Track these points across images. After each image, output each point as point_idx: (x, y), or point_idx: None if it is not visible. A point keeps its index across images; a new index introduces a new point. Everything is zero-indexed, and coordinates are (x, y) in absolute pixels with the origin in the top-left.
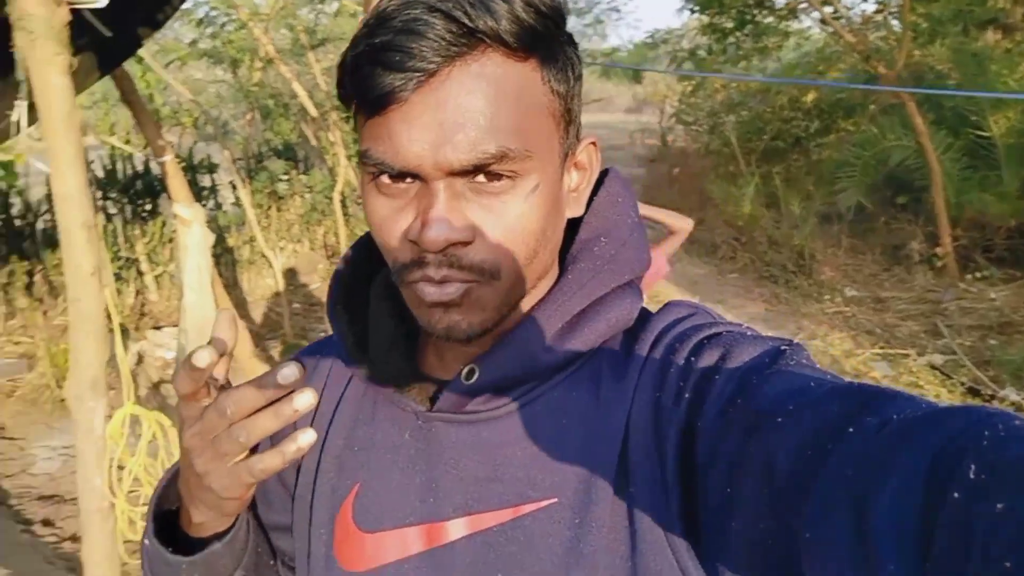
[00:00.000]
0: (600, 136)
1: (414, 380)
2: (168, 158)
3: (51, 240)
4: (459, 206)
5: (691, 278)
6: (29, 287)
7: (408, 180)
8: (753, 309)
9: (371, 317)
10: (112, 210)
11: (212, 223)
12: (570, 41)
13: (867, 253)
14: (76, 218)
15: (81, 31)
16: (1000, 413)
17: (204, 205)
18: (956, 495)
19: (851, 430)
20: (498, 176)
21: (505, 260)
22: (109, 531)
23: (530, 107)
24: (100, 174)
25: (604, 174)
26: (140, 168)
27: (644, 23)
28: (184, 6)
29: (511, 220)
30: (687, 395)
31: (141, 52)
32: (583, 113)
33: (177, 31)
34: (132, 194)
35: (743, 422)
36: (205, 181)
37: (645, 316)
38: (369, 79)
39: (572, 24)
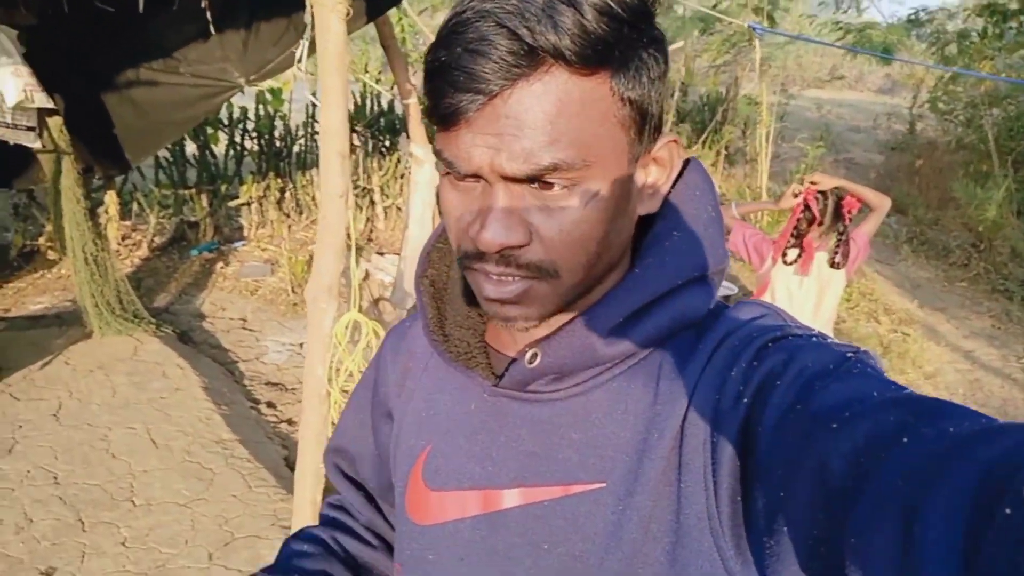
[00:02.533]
0: (842, 115)
1: (482, 356)
2: (412, 100)
3: (303, 163)
4: (517, 208)
5: (914, 280)
6: (280, 203)
7: (475, 179)
8: (978, 323)
9: (450, 291)
10: (356, 142)
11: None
12: (652, 41)
13: None
14: (334, 147)
15: None
16: None
17: None
18: (1008, 511)
19: (905, 440)
20: (554, 184)
21: (563, 261)
22: (323, 415)
23: (593, 119)
24: (350, 108)
25: (685, 164)
26: (385, 107)
27: None
28: None
29: (568, 224)
30: (746, 399)
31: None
32: (828, 88)
33: None
34: (375, 130)
35: (801, 427)
36: None
37: (717, 312)
38: (439, 96)
39: None
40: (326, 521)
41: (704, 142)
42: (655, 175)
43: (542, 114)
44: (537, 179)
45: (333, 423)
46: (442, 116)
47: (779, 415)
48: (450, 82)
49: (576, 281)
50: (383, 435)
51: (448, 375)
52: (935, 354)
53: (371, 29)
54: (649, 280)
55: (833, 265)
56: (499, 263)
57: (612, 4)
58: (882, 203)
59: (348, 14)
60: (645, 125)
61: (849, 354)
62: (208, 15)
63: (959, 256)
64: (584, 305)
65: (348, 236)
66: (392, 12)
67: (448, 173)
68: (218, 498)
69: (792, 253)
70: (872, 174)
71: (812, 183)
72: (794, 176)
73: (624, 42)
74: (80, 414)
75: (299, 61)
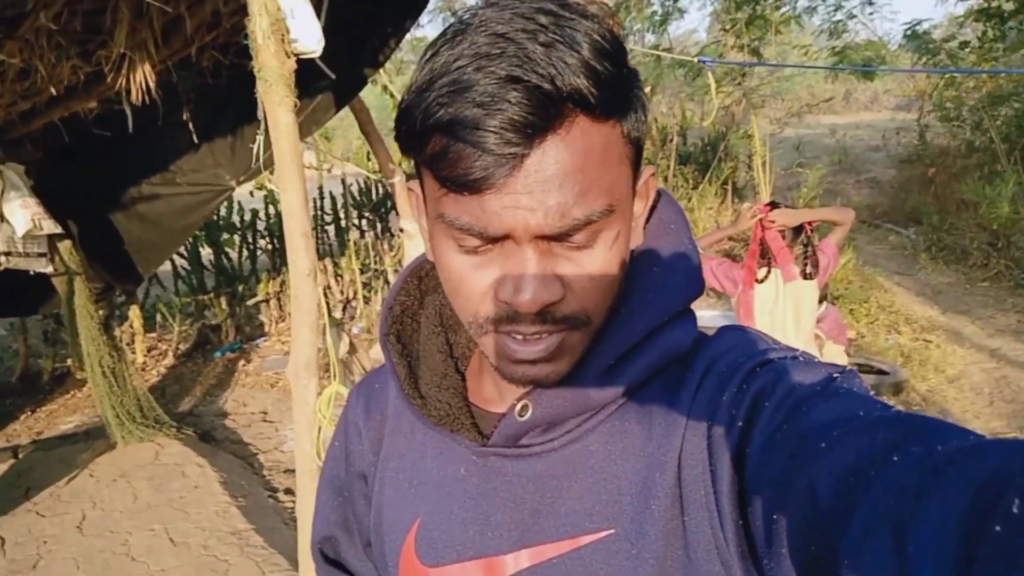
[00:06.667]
0: (860, 137)
1: (466, 417)
2: (397, 179)
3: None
4: (547, 263)
5: (935, 287)
6: None
7: (493, 242)
8: (1004, 320)
9: (422, 349)
10: (365, 227)
11: None
12: (638, 80)
13: None
14: (297, 228)
15: (319, 77)
16: None
17: None
18: (998, 528)
19: (895, 458)
20: (582, 234)
21: (593, 307)
22: (315, 489)
23: (612, 163)
24: (357, 196)
25: (657, 197)
26: (391, 190)
27: (901, 15)
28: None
29: (597, 271)
30: (739, 423)
31: (388, 84)
32: (844, 113)
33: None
34: (382, 213)
35: (789, 448)
36: None
37: (700, 341)
38: (455, 161)
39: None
40: None
41: (709, 180)
42: (639, 207)
43: (571, 167)
44: (571, 234)
45: None
46: (463, 182)
47: (767, 436)
48: (470, 142)
49: (601, 323)
50: (360, 506)
51: (427, 438)
52: (959, 357)
53: None
54: (636, 320)
55: (805, 276)
56: (534, 322)
57: (605, 43)
58: (845, 217)
59: (296, 106)
60: (639, 160)
61: (835, 375)
62: (191, 126)
63: (978, 257)
64: None
65: (322, 313)
66: (389, 100)
67: (458, 240)
68: None
69: (762, 272)
70: (888, 188)
71: (771, 222)
72: (797, 201)
73: (625, 82)
74: (103, 523)
75: (256, 155)
